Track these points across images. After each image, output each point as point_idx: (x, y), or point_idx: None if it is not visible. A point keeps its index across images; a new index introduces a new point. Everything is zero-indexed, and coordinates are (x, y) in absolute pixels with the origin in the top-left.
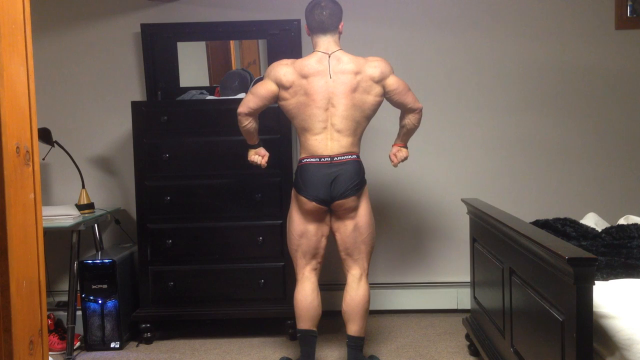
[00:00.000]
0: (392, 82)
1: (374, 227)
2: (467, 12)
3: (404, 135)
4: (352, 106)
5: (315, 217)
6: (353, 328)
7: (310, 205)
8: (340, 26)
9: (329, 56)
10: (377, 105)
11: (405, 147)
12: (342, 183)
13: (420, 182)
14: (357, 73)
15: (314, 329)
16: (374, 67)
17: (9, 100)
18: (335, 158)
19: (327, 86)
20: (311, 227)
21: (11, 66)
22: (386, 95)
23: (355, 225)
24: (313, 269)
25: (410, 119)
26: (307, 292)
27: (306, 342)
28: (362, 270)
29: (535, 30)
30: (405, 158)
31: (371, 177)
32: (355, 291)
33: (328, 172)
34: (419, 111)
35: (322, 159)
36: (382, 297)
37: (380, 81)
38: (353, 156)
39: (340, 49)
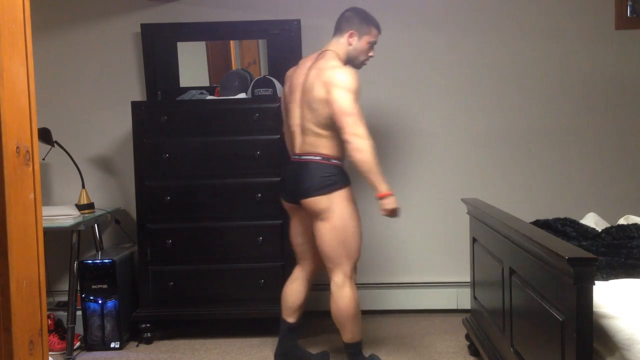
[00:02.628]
0: (335, 96)
1: (355, 231)
2: (467, 12)
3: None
4: (315, 106)
5: (292, 215)
6: (346, 336)
7: (283, 202)
8: (348, 33)
9: (320, 53)
10: (324, 105)
11: (383, 195)
12: (301, 182)
13: (420, 182)
14: (317, 74)
15: (286, 318)
16: (332, 72)
17: (9, 100)
18: (302, 157)
19: (301, 82)
20: (293, 226)
21: (11, 66)
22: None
23: (330, 228)
24: (301, 269)
25: (347, 150)
26: (287, 284)
27: (280, 329)
28: (343, 275)
29: (535, 30)
30: (391, 212)
31: None
32: (340, 299)
33: (293, 169)
34: (351, 142)
35: (293, 156)
36: (382, 297)
37: (327, 84)
38: (317, 157)
39: (330, 50)
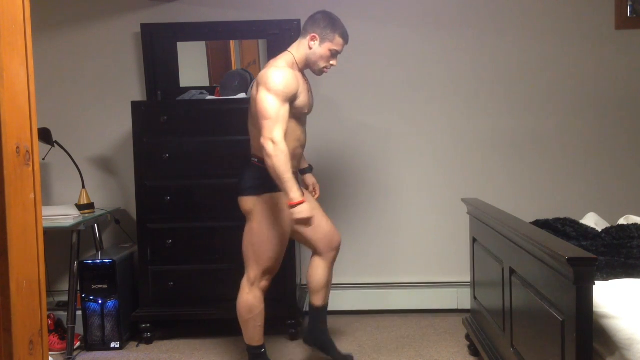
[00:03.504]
0: (259, 96)
1: (269, 239)
2: (467, 12)
3: None
4: (250, 106)
5: None
6: (244, 336)
7: None
8: (310, 35)
9: None
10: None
11: (293, 203)
12: (239, 181)
13: (420, 182)
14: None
15: (312, 302)
16: (263, 71)
17: (9, 100)
18: (249, 158)
19: None
20: None
21: (11, 66)
22: None
23: (248, 230)
24: (313, 255)
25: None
26: (308, 268)
27: (309, 314)
28: (247, 279)
29: (535, 30)
30: (301, 221)
31: (371, 176)
32: (238, 299)
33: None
34: (264, 146)
35: None
36: (382, 297)
37: (257, 84)
38: (255, 159)
39: (288, 51)
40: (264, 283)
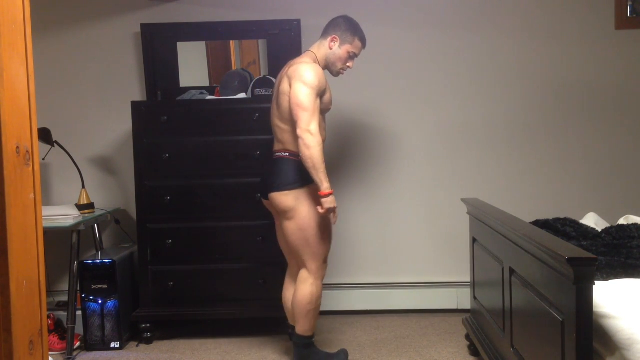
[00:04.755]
0: (294, 89)
1: (319, 229)
2: (467, 12)
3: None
4: (280, 100)
5: (275, 217)
6: (298, 327)
7: (263, 201)
8: (331, 37)
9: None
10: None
11: (324, 193)
12: (269, 177)
13: (420, 182)
14: (289, 69)
15: (293, 324)
16: (295, 66)
17: (9, 100)
18: (274, 154)
19: (277, 81)
20: (277, 229)
21: (11, 66)
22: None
23: (295, 228)
24: (290, 274)
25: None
26: (283, 291)
27: (291, 338)
28: (308, 273)
29: (535, 30)
30: (327, 210)
31: (371, 176)
32: (298, 292)
33: (266, 166)
34: (302, 137)
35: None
36: (382, 297)
37: (289, 78)
38: (285, 154)
39: (310, 50)
40: (323, 272)
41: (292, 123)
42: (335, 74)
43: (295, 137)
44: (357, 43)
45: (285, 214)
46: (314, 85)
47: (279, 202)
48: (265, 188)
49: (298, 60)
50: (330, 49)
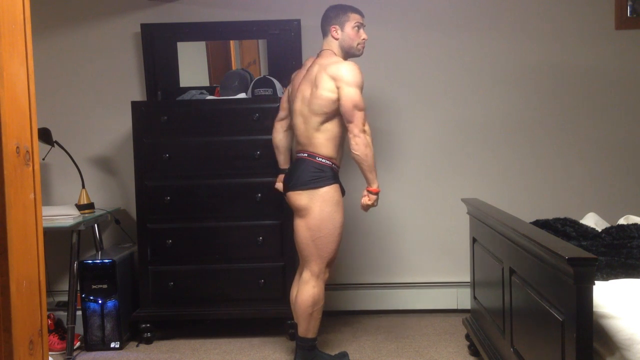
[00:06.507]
0: (345, 92)
1: (330, 233)
2: (467, 12)
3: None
4: (302, 102)
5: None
6: (300, 329)
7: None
8: (331, 29)
9: (319, 53)
10: (328, 101)
11: (371, 191)
12: (291, 177)
13: (420, 182)
14: (320, 70)
15: (295, 321)
16: (336, 66)
17: (9, 100)
18: (298, 154)
19: (300, 83)
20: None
21: (11, 66)
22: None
23: (305, 227)
24: (301, 265)
25: (350, 144)
26: (292, 290)
27: (295, 339)
28: (310, 274)
29: (535, 30)
30: (370, 206)
31: None
32: (300, 294)
33: (291, 165)
34: (354, 137)
35: (296, 154)
36: (382, 297)
37: (334, 79)
38: (305, 154)
39: (326, 49)
40: (327, 275)
41: (328, 127)
42: (359, 52)
43: (328, 141)
44: (354, 16)
45: (298, 212)
46: (360, 85)
47: (294, 200)
48: (286, 186)
49: (327, 59)
50: (337, 38)
